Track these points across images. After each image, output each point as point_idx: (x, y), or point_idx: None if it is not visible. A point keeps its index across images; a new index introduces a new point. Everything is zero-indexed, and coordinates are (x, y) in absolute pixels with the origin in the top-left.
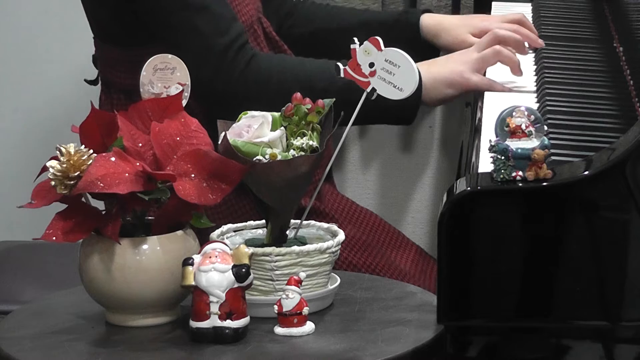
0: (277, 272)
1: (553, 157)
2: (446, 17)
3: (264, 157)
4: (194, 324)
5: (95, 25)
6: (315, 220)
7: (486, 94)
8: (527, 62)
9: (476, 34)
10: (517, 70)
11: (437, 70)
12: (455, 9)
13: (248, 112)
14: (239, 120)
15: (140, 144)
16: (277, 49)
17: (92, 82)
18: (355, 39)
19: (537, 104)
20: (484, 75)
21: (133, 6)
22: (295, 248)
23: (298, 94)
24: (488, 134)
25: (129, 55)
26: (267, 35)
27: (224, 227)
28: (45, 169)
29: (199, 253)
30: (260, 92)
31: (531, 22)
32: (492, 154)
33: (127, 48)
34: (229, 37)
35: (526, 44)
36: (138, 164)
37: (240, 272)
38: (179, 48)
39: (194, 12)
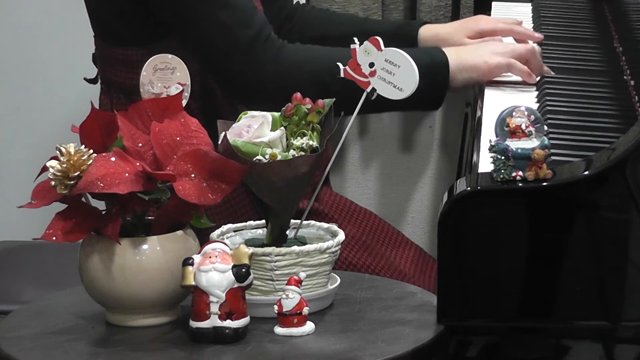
0: (277, 272)
1: (553, 157)
2: (442, 27)
3: (264, 157)
4: (194, 324)
5: (96, 24)
6: (313, 220)
7: (486, 94)
8: None
9: (473, 37)
10: (527, 77)
11: (465, 55)
12: (455, 9)
13: (248, 112)
14: (239, 120)
15: (140, 144)
16: None
17: (92, 81)
18: (355, 39)
19: (537, 104)
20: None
21: (149, 6)
22: (295, 248)
23: (298, 94)
24: (488, 134)
25: (130, 55)
26: None
27: (224, 227)
28: (45, 169)
29: (199, 253)
30: (293, 82)
31: (531, 22)
32: (492, 154)
33: (128, 47)
34: (254, 29)
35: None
36: (138, 164)
37: (240, 272)
38: (206, 45)
39: (217, 7)
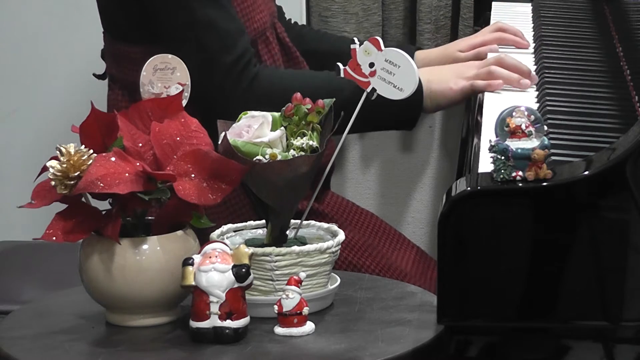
0: (277, 272)
1: (553, 157)
2: (432, 51)
3: (264, 157)
4: (194, 324)
5: (105, 20)
6: (315, 221)
7: (486, 93)
8: (527, 62)
9: (464, 50)
10: (517, 84)
11: (435, 80)
12: (455, 9)
13: (248, 112)
14: (239, 120)
15: (140, 144)
16: (289, 54)
17: (101, 77)
18: (356, 39)
19: (537, 104)
20: None
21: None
22: (295, 248)
23: (298, 94)
24: (488, 134)
25: (134, 52)
26: (280, 41)
27: (224, 227)
28: (45, 169)
29: (199, 253)
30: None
31: (531, 22)
32: (492, 154)
33: (133, 44)
34: (235, 54)
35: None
36: (138, 164)
37: (240, 272)
38: (186, 65)
39: (200, 29)
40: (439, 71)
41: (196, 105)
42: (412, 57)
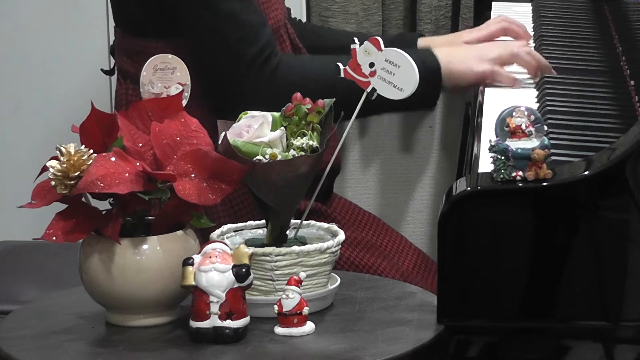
0: (277, 272)
1: (553, 157)
2: (438, 38)
3: (264, 157)
4: (194, 324)
5: (117, 14)
6: (317, 221)
7: (486, 93)
8: None
9: (471, 42)
10: (533, 73)
11: (454, 60)
12: (455, 8)
13: (248, 112)
14: (239, 120)
15: (140, 144)
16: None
17: (108, 72)
18: (356, 39)
19: (537, 104)
20: None
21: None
22: (295, 248)
23: (298, 94)
24: (488, 134)
25: (148, 46)
26: (292, 42)
27: (224, 227)
28: (45, 169)
29: (199, 253)
30: (284, 101)
31: (531, 22)
32: (492, 154)
33: (147, 39)
34: (257, 46)
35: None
36: (138, 164)
37: (240, 272)
38: (208, 57)
39: (223, 21)
40: (459, 51)
41: (212, 98)
42: (415, 44)
